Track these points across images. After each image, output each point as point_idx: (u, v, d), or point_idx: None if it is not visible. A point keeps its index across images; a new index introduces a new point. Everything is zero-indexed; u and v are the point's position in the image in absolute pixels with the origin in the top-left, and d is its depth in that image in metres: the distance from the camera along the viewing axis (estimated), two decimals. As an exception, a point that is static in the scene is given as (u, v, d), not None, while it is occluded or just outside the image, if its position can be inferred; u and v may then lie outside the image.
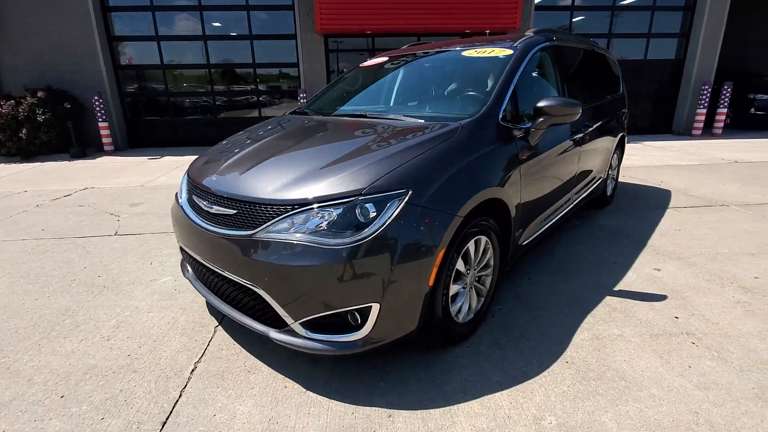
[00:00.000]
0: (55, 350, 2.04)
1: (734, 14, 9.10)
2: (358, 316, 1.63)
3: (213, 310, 2.39)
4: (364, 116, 2.42)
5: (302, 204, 1.63)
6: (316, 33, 8.25)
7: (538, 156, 2.35)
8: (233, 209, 1.77)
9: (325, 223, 1.59)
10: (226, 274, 1.79)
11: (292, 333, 1.69)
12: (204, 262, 1.92)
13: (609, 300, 2.42)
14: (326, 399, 1.71)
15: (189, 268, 2.27)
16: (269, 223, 1.65)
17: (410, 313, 1.69)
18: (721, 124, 9.28)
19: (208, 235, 1.83)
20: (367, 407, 1.66)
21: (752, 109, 9.78)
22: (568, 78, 3.01)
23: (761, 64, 11.25)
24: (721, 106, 9.14)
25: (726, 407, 1.62)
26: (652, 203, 4.35)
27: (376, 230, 1.55)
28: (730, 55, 10.57)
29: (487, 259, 2.09)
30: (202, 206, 1.92)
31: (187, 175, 2.22)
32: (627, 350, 1.97)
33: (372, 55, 3.39)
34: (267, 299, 1.66)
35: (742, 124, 10.03)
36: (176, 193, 2.27)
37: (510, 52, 2.44)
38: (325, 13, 7.79)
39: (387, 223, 1.56)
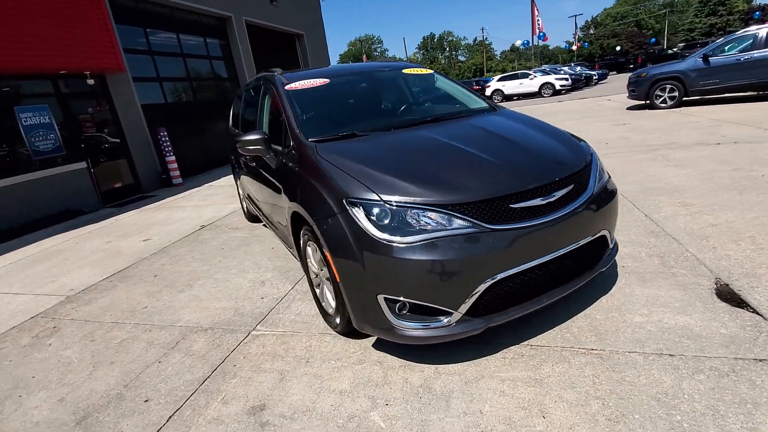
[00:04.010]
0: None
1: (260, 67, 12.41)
2: None
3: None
4: (438, 119, 2.74)
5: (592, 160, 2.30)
6: None
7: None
8: (570, 184, 2.04)
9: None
10: (570, 248, 2.00)
11: (611, 254, 2.31)
12: (548, 259, 1.93)
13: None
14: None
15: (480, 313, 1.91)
16: (591, 179, 2.17)
17: None
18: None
19: (556, 222, 1.92)
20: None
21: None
22: None
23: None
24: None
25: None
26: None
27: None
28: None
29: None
30: (537, 204, 1.90)
31: (472, 202, 1.85)
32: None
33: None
34: (606, 235, 2.21)
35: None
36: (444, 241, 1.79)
37: (431, 70, 3.51)
38: None
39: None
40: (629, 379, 1.79)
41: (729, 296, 2.28)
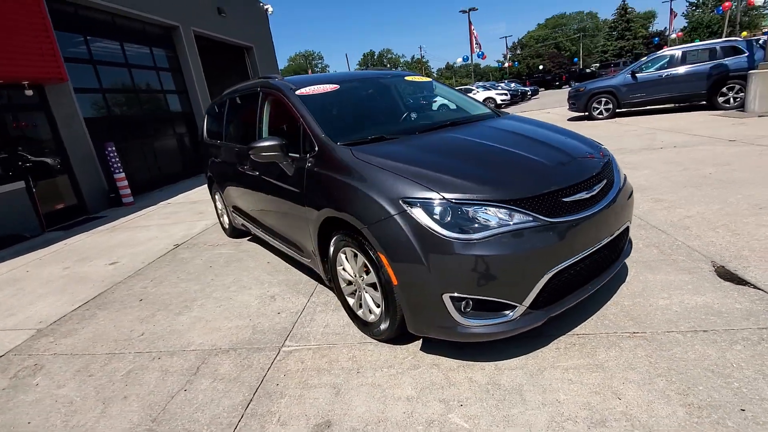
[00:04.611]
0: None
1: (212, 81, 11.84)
2: None
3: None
4: (456, 123, 2.80)
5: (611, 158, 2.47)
6: None
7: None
8: (604, 179, 2.18)
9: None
10: (609, 238, 2.13)
11: (629, 244, 2.50)
12: (595, 248, 2.04)
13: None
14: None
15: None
16: (616, 174, 2.34)
17: None
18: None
19: (598, 214, 2.02)
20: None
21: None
22: None
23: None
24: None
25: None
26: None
27: None
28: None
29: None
30: (583, 197, 2.00)
31: (531, 197, 1.91)
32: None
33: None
34: (629, 226, 2.38)
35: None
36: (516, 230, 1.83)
37: (430, 78, 3.59)
38: None
39: None
40: (679, 355, 1.92)
41: (729, 276, 2.54)
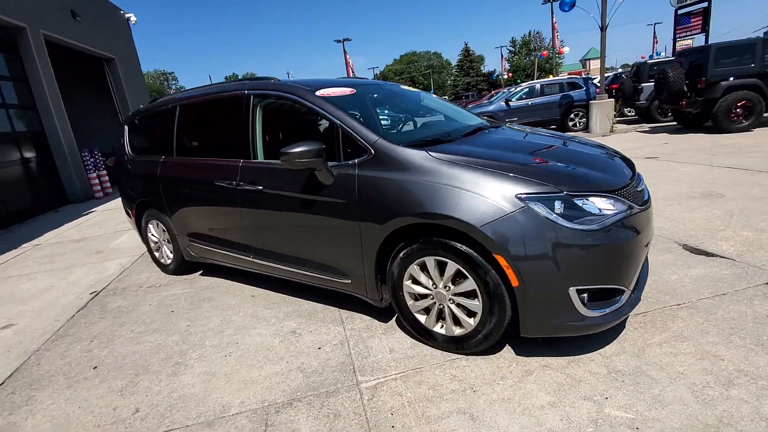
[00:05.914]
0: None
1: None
2: None
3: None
4: (480, 129, 2.81)
5: None
6: None
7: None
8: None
9: None
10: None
11: None
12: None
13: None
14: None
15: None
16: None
17: None
18: (109, 185, 10.22)
19: (649, 202, 2.22)
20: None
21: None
22: None
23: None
24: (100, 169, 10.04)
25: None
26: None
27: None
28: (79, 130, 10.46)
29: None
30: (640, 188, 2.24)
31: (622, 187, 2.04)
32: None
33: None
34: None
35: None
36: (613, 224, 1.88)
37: (418, 90, 3.59)
38: None
39: None
40: (726, 315, 2.26)
41: (699, 252, 3.12)
